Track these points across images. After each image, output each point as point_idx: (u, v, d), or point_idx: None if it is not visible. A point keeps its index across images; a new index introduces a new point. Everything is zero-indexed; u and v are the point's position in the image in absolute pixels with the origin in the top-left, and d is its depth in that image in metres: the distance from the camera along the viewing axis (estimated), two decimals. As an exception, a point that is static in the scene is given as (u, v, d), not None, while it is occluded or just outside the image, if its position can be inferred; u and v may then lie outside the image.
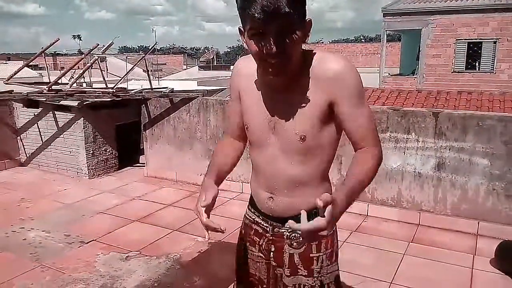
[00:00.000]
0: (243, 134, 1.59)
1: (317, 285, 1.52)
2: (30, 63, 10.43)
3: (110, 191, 5.22)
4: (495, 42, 14.82)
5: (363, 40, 65.04)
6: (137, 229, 4.08)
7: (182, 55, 40.04)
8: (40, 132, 6.01)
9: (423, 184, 4.07)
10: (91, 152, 5.69)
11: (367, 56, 31.12)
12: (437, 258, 3.43)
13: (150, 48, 9.75)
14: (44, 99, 5.58)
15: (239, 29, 1.31)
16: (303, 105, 1.34)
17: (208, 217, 1.46)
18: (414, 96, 10.78)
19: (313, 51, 1.36)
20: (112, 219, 4.31)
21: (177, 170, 5.51)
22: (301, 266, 1.51)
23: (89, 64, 6.66)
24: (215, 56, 39.62)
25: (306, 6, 1.24)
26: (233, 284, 1.76)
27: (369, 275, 3.13)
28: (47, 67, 8.67)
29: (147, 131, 5.71)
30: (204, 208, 1.45)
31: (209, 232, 1.47)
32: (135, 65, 8.02)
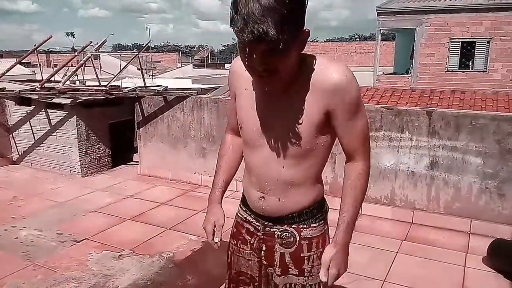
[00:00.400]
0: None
1: (308, 285, 1.52)
2: (23, 61, 10.35)
3: (103, 189, 5.19)
4: (488, 42, 14.90)
5: (357, 39, 65.16)
6: (130, 228, 4.06)
7: (177, 53, 39.91)
8: (32, 130, 5.96)
9: (416, 183, 4.09)
10: (84, 150, 5.66)
11: (362, 55, 31.17)
12: (430, 256, 3.45)
13: (144, 46, 9.70)
14: (37, 97, 5.53)
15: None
16: (299, 110, 1.33)
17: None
18: (408, 95, 10.80)
19: (315, 57, 1.34)
20: (105, 218, 4.29)
21: (171, 169, 5.49)
22: (292, 266, 1.51)
23: (82, 62, 6.61)
24: (209, 54, 39.50)
25: (304, 19, 1.19)
26: (225, 282, 1.76)
27: (362, 274, 3.14)
28: (40, 64, 8.60)
29: (140, 129, 5.68)
30: (209, 235, 1.65)
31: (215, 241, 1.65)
32: (129, 63, 7.97)
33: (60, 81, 6.15)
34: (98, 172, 5.86)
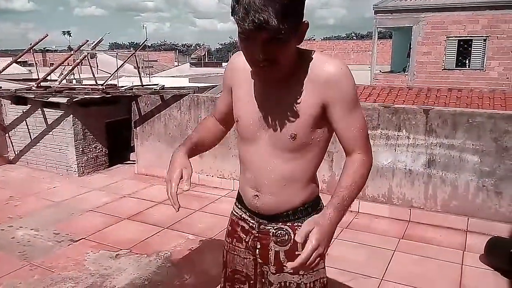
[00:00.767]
0: (226, 119, 1.63)
1: (302, 283, 1.52)
2: (19, 60, 10.30)
3: (100, 189, 5.17)
4: (485, 40, 14.93)
5: (354, 37, 65.19)
6: (127, 227, 4.05)
7: (173, 51, 39.85)
8: (28, 129, 5.94)
9: (413, 181, 4.09)
10: (81, 149, 5.64)
11: (359, 53, 31.19)
12: (427, 254, 3.46)
13: (140, 44, 9.67)
14: (33, 96, 5.51)
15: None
16: (296, 104, 1.34)
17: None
18: (405, 93, 10.84)
19: (312, 52, 1.36)
20: (102, 217, 4.27)
21: (168, 168, 5.47)
22: (286, 263, 1.51)
23: (78, 61, 6.58)
24: (206, 53, 39.41)
25: (304, 10, 1.21)
26: (221, 281, 1.75)
27: (360, 272, 3.14)
28: (36, 63, 8.56)
29: (137, 128, 5.67)
30: (175, 182, 1.53)
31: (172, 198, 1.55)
32: (125, 62, 7.94)
33: (56, 80, 6.13)
34: (95, 171, 5.84)
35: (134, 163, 5.85)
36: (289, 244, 1.50)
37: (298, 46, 1.29)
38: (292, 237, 1.50)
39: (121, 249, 3.56)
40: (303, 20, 1.22)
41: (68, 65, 7.39)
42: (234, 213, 1.66)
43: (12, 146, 6.16)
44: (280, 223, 1.50)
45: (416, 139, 4.00)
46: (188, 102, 5.22)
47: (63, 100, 5.41)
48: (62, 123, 5.59)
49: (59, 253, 3.50)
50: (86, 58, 6.58)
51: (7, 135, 6.15)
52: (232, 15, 1.18)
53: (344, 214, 1.30)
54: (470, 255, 3.43)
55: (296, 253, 1.48)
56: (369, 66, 18.13)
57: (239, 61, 1.46)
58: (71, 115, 5.49)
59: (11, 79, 7.04)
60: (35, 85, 5.55)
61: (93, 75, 6.75)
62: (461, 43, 15.33)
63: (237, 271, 1.65)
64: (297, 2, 1.17)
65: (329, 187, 4.31)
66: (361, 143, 1.38)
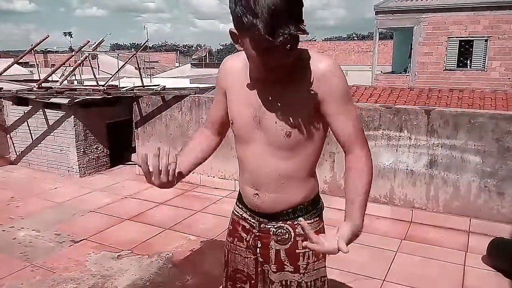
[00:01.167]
0: (219, 128, 1.64)
1: (303, 282, 1.52)
2: (20, 60, 10.30)
3: (102, 189, 5.17)
4: (486, 40, 14.93)
5: (355, 38, 65.19)
6: (128, 228, 4.05)
7: (175, 52, 39.88)
8: (30, 130, 5.94)
9: (415, 182, 4.08)
10: (82, 150, 5.64)
11: (360, 54, 31.20)
12: (429, 255, 3.45)
13: (142, 45, 9.68)
14: (34, 97, 5.51)
15: (231, 32, 1.25)
16: (291, 102, 1.36)
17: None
18: (406, 94, 10.84)
19: (302, 49, 1.36)
20: (103, 218, 4.27)
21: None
22: (287, 262, 1.52)
23: (79, 61, 6.59)
24: (207, 54, 39.49)
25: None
26: (222, 280, 1.75)
27: (361, 273, 3.14)
28: (37, 64, 8.55)
29: (138, 129, 5.66)
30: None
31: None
32: (126, 63, 7.93)
33: (57, 81, 6.13)
34: (96, 172, 5.84)
35: (136, 164, 5.83)
36: (290, 243, 1.51)
37: None
38: (293, 235, 1.51)
39: (123, 250, 3.56)
40: None
41: (69, 66, 7.40)
42: (235, 212, 1.67)
43: (14, 147, 6.16)
44: (281, 222, 1.51)
45: (417, 140, 3.99)
46: (189, 103, 5.22)
47: (65, 101, 5.41)
48: (63, 124, 5.59)
49: (60, 254, 3.50)
50: (87, 59, 6.59)
51: (8, 136, 6.15)
52: (245, 29, 1.15)
53: (362, 223, 1.39)
54: (473, 256, 3.42)
55: (297, 251, 1.51)
56: (370, 66, 18.14)
57: (231, 64, 1.50)
58: (73, 116, 5.49)
59: (13, 80, 7.04)
60: (37, 86, 5.55)
61: (94, 76, 6.75)
62: (463, 43, 15.34)
63: (239, 270, 1.66)
64: (302, 4, 1.19)
65: (330, 188, 4.31)
66: (357, 137, 1.39)
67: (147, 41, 9.86)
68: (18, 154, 6.15)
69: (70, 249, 3.60)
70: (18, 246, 3.64)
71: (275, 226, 1.52)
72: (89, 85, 6.26)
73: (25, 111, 5.90)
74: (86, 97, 5.44)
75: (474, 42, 15.14)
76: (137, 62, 7.65)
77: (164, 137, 5.46)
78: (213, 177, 5.13)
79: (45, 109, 5.70)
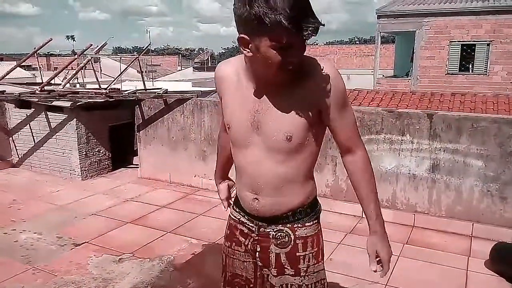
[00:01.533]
0: None
1: (304, 285, 1.52)
2: (23, 64, 10.35)
3: (103, 192, 5.17)
4: (488, 44, 14.91)
5: (357, 42, 65.23)
6: (130, 231, 4.04)
7: (177, 56, 39.92)
8: (32, 133, 5.95)
9: (417, 186, 4.07)
10: (84, 153, 5.65)
11: (362, 57, 31.21)
12: (431, 259, 3.43)
13: (144, 48, 9.70)
14: (37, 100, 5.53)
15: (241, 38, 1.25)
16: (291, 105, 1.36)
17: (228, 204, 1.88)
18: (408, 97, 10.82)
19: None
20: (105, 221, 4.27)
21: (171, 172, 5.48)
22: (288, 266, 1.52)
23: (82, 65, 6.61)
24: (209, 57, 39.58)
25: None
26: (220, 285, 1.75)
27: (364, 277, 3.12)
28: (40, 67, 8.60)
29: (140, 132, 5.67)
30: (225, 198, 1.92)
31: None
32: (128, 66, 7.96)
33: (60, 84, 6.15)
34: (98, 175, 5.85)
35: (137, 167, 5.85)
36: (290, 246, 1.51)
37: None
38: (293, 238, 1.51)
39: (124, 253, 3.55)
40: None
41: (71, 69, 7.43)
42: (232, 216, 1.66)
43: (16, 149, 6.17)
44: (280, 225, 1.51)
45: (420, 144, 3.98)
46: (191, 106, 5.22)
47: (67, 104, 5.42)
48: (65, 126, 5.60)
49: (62, 257, 3.50)
50: (90, 62, 6.61)
51: (10, 138, 6.17)
52: (263, 25, 1.16)
53: (381, 213, 1.52)
54: (475, 260, 3.40)
55: (297, 254, 1.51)
56: (372, 70, 18.13)
57: (225, 69, 1.52)
58: (75, 119, 5.50)
59: (15, 83, 7.06)
60: (39, 89, 5.57)
61: (97, 79, 6.78)
62: (465, 47, 15.31)
63: (237, 275, 1.65)
64: None
65: (332, 192, 4.30)
66: (356, 139, 1.46)
67: (149, 44, 9.89)
68: (20, 157, 6.16)
69: (71, 252, 3.60)
70: (20, 249, 3.64)
71: (275, 230, 1.52)
72: (91, 88, 6.28)
73: (28, 114, 5.91)
74: (89, 100, 5.45)
75: (476, 46, 15.12)
76: (140, 66, 7.66)
77: (166, 140, 5.47)
78: (215, 180, 5.11)
79: (48, 112, 5.71)
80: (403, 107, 9.32)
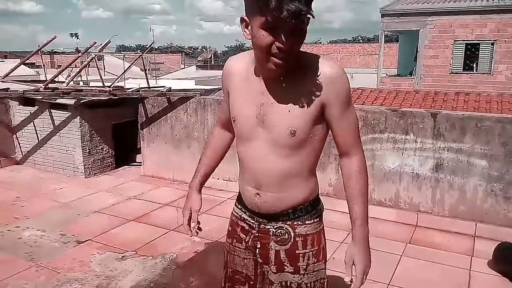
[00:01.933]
0: (231, 126, 1.66)
1: (303, 283, 1.53)
2: (27, 61, 10.36)
3: (107, 190, 5.18)
4: (492, 44, 14.85)
5: (361, 41, 65.09)
6: (133, 229, 4.05)
7: (180, 54, 39.99)
8: (36, 131, 5.97)
9: (421, 185, 4.06)
10: (88, 150, 5.66)
11: (365, 56, 31.14)
12: (434, 259, 3.42)
13: (147, 47, 9.71)
14: (41, 97, 5.54)
15: (242, 18, 1.31)
16: (296, 101, 1.38)
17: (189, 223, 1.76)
18: (412, 97, 10.78)
19: (306, 52, 1.41)
20: (108, 219, 4.28)
21: (174, 170, 5.49)
22: (287, 263, 1.52)
23: (86, 62, 6.62)
24: (212, 56, 39.61)
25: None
26: (222, 281, 1.75)
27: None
28: (44, 65, 8.60)
29: (144, 130, 5.68)
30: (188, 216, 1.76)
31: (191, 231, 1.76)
32: (132, 64, 7.97)
33: (63, 82, 6.16)
34: (102, 172, 5.86)
35: (141, 165, 5.86)
36: (290, 243, 1.52)
37: None
38: (292, 236, 1.51)
39: (127, 251, 3.56)
40: None
41: (75, 67, 7.44)
42: (234, 213, 1.67)
43: (20, 147, 6.19)
44: (280, 222, 1.52)
45: (423, 143, 3.97)
46: (195, 104, 5.23)
47: (71, 101, 5.43)
48: (69, 124, 5.62)
49: (65, 254, 3.51)
50: (94, 60, 6.62)
51: (14, 136, 6.19)
52: (257, 4, 1.21)
53: (367, 223, 1.49)
54: (478, 260, 3.39)
55: (297, 251, 1.52)
56: (376, 69, 18.09)
57: (234, 64, 1.54)
58: (78, 117, 5.51)
59: (19, 80, 7.08)
60: (43, 86, 5.58)
61: (100, 77, 6.79)
62: (469, 46, 15.26)
63: (237, 271, 1.66)
64: None
65: (335, 191, 4.29)
66: (354, 143, 1.46)
67: (153, 42, 9.90)
68: (24, 154, 6.18)
69: (74, 249, 3.61)
70: (23, 246, 3.65)
71: (275, 227, 1.52)
72: (95, 86, 6.29)
73: (31, 112, 5.93)
74: (92, 98, 5.46)
75: (481, 45, 15.06)
76: (143, 64, 7.68)
77: (169, 138, 5.47)
78: (218, 179, 5.12)
79: (51, 110, 5.72)
80: (406, 106, 9.29)
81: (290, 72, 1.35)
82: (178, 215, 4.36)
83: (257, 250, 1.57)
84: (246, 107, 1.45)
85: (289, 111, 1.38)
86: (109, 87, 5.72)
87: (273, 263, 1.54)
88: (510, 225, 3.72)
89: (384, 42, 18.02)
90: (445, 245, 3.69)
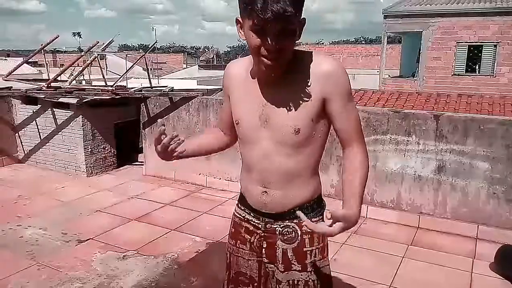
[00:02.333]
0: (229, 130, 1.68)
1: (310, 280, 1.53)
2: (30, 60, 10.39)
3: (108, 189, 5.19)
4: (495, 46, 14.83)
5: (363, 42, 65.03)
6: (134, 228, 4.05)
7: (182, 54, 39.96)
8: (38, 129, 5.98)
9: (423, 187, 4.05)
10: (90, 150, 5.67)
11: (367, 57, 31.09)
12: (436, 261, 3.42)
13: (150, 46, 9.72)
14: (43, 96, 5.55)
15: (236, 19, 1.33)
16: (298, 99, 1.39)
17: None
18: (414, 98, 10.77)
19: (305, 51, 1.43)
20: (109, 218, 4.28)
21: (176, 169, 5.49)
22: (294, 261, 1.53)
23: (88, 62, 6.63)
24: (215, 56, 39.62)
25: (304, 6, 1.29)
26: (224, 283, 1.75)
27: (368, 278, 3.11)
28: (46, 64, 8.62)
29: (146, 129, 5.68)
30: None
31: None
32: (135, 63, 7.98)
33: (66, 81, 6.17)
34: (103, 172, 5.87)
35: (142, 165, 5.87)
36: (297, 242, 1.52)
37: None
38: (299, 234, 1.52)
39: (129, 250, 3.56)
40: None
41: (78, 66, 7.44)
42: (237, 214, 1.67)
43: (22, 145, 6.20)
44: (287, 221, 1.52)
45: (426, 145, 3.97)
46: (197, 104, 5.23)
47: (73, 100, 5.44)
48: (71, 123, 5.62)
49: (66, 253, 3.51)
50: (96, 59, 6.63)
51: (17, 134, 6.20)
52: (247, 7, 1.22)
53: (361, 204, 1.41)
54: (480, 263, 3.39)
55: (304, 249, 1.53)
56: (378, 70, 18.08)
57: (234, 67, 1.56)
58: (81, 116, 5.52)
59: (22, 79, 7.10)
60: (46, 85, 5.60)
61: (103, 77, 6.79)
62: (471, 48, 15.24)
63: (241, 273, 1.66)
64: None
65: (337, 192, 4.28)
66: (357, 134, 1.45)
67: (155, 42, 9.87)
68: (26, 153, 6.19)
69: (76, 248, 3.62)
70: (25, 245, 3.65)
71: (281, 226, 1.53)
72: (97, 86, 6.30)
73: (34, 110, 5.94)
74: (95, 97, 5.47)
75: (483, 47, 15.04)
76: (145, 63, 7.67)
77: (171, 138, 5.46)
78: (219, 179, 5.13)
79: (54, 109, 5.73)
80: (408, 107, 9.28)
81: (289, 70, 1.37)
82: (179, 214, 4.37)
83: (263, 250, 1.57)
84: (248, 109, 1.46)
85: (291, 109, 1.39)
86: (111, 86, 5.73)
87: (280, 262, 1.54)
88: (512, 228, 3.71)
89: (387, 43, 18.01)
90: (446, 247, 3.68)
